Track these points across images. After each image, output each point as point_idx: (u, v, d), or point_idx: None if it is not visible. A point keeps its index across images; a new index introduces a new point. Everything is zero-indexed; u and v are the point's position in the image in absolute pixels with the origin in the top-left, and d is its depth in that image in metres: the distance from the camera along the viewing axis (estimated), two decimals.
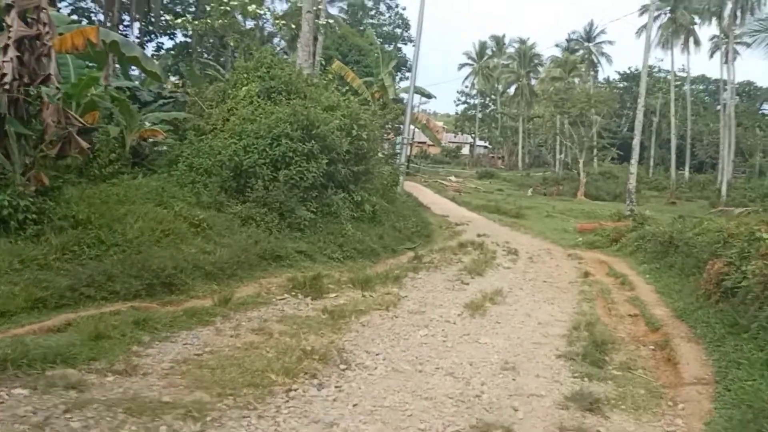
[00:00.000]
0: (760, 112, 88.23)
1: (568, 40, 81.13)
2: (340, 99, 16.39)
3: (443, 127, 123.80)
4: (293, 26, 21.47)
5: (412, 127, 34.56)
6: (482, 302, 10.04)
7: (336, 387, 5.76)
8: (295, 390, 5.56)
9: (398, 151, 28.25)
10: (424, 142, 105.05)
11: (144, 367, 5.74)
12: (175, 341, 6.64)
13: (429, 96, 38.30)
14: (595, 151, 60.36)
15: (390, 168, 21.89)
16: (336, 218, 14.76)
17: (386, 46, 61.80)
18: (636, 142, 29.56)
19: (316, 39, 29.96)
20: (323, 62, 29.97)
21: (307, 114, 13.99)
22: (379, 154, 19.61)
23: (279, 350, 6.49)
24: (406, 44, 65.69)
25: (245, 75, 15.85)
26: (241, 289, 9.53)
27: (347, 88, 31.31)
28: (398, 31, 64.91)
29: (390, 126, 28.70)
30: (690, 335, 8.04)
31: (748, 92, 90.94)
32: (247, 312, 8.17)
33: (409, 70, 65.13)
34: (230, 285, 9.60)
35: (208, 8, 24.15)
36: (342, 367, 6.28)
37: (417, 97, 43.98)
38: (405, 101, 32.30)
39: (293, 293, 9.62)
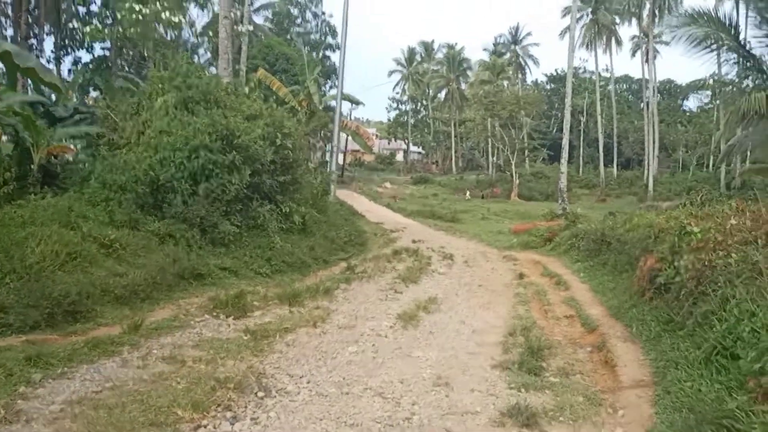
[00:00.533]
0: (682, 108, 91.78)
1: (495, 44, 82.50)
2: (262, 107, 15.77)
3: (376, 134, 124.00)
4: (211, 35, 20.59)
5: (343, 135, 34.16)
6: (415, 312, 9.63)
7: (252, 419, 5.19)
8: (205, 426, 4.97)
9: (328, 159, 27.66)
10: (358, 150, 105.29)
11: (29, 411, 5.01)
12: (72, 377, 5.92)
13: (357, 102, 38.06)
14: (526, 152, 61.40)
15: (320, 177, 21.31)
16: (263, 231, 14.15)
17: (314, 54, 61.27)
18: (565, 142, 29.95)
19: (240, 48, 29.25)
20: (247, 72, 29.19)
21: (226, 124, 13.33)
22: (309, 164, 19.03)
23: (190, 380, 5.88)
24: (334, 51, 65.24)
25: (161, 85, 15.03)
26: (156, 313, 8.83)
27: (274, 97, 30.78)
28: (326, 38, 64.33)
29: (321, 134, 28.13)
30: (626, 335, 7.82)
31: (668, 90, 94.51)
32: (160, 338, 7.49)
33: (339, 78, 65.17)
34: (144, 309, 8.88)
35: (118, 16, 23.09)
36: (260, 394, 5.71)
37: (347, 104, 43.66)
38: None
39: (214, 313, 8.97)
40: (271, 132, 14.75)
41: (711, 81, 51.35)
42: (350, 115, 70.60)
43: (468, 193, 56.21)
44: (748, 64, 19.03)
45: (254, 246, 13.46)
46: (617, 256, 12.19)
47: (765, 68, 18.90)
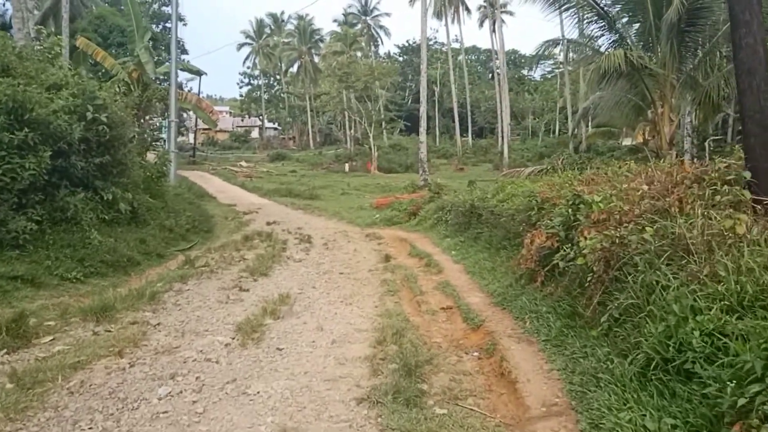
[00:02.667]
0: (527, 77, 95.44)
1: (345, 14, 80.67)
2: (68, 75, 12.97)
3: (230, 112, 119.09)
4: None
5: (191, 113, 31.14)
6: (262, 318, 7.70)
7: None
8: None
9: (163, 135, 24.68)
10: (210, 128, 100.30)
11: None
12: None
13: (200, 73, 34.81)
14: (383, 124, 60.53)
15: (157, 156, 18.60)
16: (75, 225, 11.51)
17: (154, 27, 56.48)
18: (423, 111, 28.85)
19: (60, 17, 25.35)
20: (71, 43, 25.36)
21: (12, 94, 10.53)
22: (134, 141, 16.29)
23: None
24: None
25: None
26: None
27: (104, 70, 27.17)
28: (165, 9, 59.49)
29: (158, 107, 24.99)
30: (519, 332, 6.37)
31: (513, 60, 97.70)
32: None
33: (184, 51, 60.65)
34: None
35: None
36: None
37: (187, 75, 40.25)
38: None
39: None
40: (79, 104, 12.06)
41: (559, 48, 52.88)
42: (199, 89, 66.17)
43: (347, 166, 54.57)
44: (602, 23, 18.60)
45: (62, 245, 10.84)
46: (492, 231, 10.92)
47: (618, 27, 18.53)
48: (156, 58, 30.58)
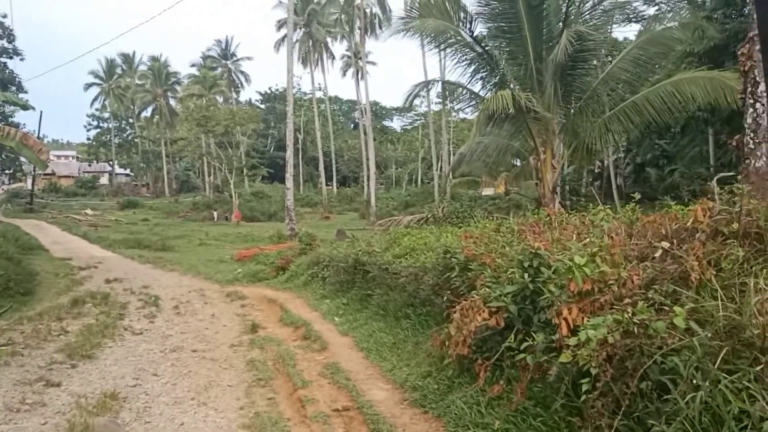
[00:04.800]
0: (389, 128, 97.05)
1: (204, 58, 77.37)
2: None
3: (77, 157, 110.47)
4: None
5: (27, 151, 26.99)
6: None
7: None
8: None
9: None
10: (53, 173, 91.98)
11: None
12: None
13: (25, 107, 30.58)
14: (245, 171, 57.73)
15: None
16: None
17: None
18: (289, 154, 26.64)
19: None
20: None
21: None
22: None
23: None
24: (11, 58, 54.81)
25: None
26: None
27: None
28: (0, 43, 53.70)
29: None
30: None
31: (375, 112, 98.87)
32: None
33: (21, 89, 54.78)
34: None
35: None
36: None
37: (25, 115, 35.71)
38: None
39: None
40: None
41: (420, 100, 53.17)
42: (39, 129, 59.94)
43: (215, 214, 50.95)
44: (483, 64, 17.59)
45: None
46: (387, 294, 8.82)
47: (501, 68, 17.58)
48: None
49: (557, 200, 17.73)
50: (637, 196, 5.66)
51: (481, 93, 17.99)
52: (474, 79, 17.94)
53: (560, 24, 16.11)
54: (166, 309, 12.66)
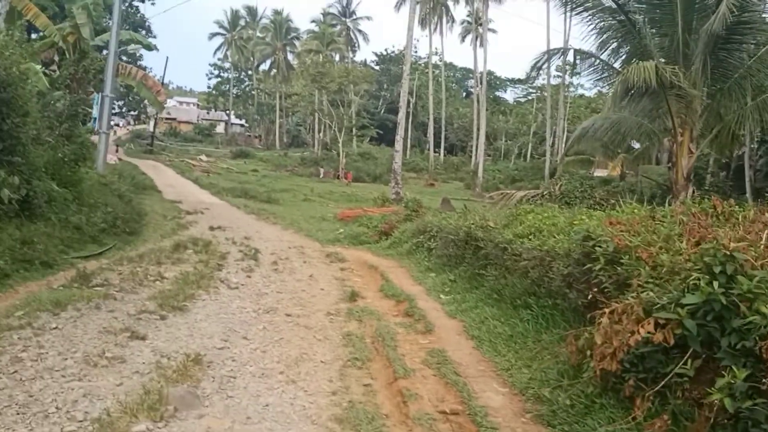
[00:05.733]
0: (502, 98, 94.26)
1: (324, 14, 77.35)
2: None
3: (197, 103, 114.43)
4: None
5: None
6: (131, 416, 4.46)
7: None
8: None
9: (92, 111, 20.81)
10: (174, 119, 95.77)
11: None
12: None
13: (149, 47, 31.06)
14: (354, 130, 57.49)
15: (81, 136, 15.12)
16: None
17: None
18: (402, 115, 25.74)
19: None
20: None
21: None
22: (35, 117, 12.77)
23: None
24: (143, 1, 56.66)
25: None
26: None
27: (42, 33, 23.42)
28: None
29: (93, 80, 21.10)
30: None
31: (489, 81, 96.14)
32: None
33: (150, 33, 56.67)
34: None
35: None
36: None
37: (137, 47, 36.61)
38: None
39: None
40: None
41: (562, 59, 50.74)
42: (164, 75, 62.04)
43: (322, 171, 51.13)
44: (623, 31, 15.88)
45: None
46: (504, 276, 7.78)
47: (643, 35, 15.80)
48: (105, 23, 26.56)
49: (691, 188, 15.91)
50: None
51: (616, 65, 16.40)
52: (610, 49, 16.32)
53: None
54: (265, 264, 12.20)
